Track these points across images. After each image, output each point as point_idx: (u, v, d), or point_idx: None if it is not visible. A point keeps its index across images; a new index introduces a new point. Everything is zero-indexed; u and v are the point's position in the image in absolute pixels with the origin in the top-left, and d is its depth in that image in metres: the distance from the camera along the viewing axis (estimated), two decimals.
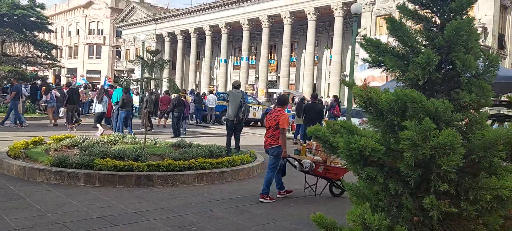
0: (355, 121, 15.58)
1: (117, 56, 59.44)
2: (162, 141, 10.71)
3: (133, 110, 14.92)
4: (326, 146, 3.24)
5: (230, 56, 45.41)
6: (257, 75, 42.17)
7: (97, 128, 13.75)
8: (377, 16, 29.28)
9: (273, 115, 6.52)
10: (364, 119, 15.52)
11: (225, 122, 22.01)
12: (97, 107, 13.69)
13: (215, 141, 13.73)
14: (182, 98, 19.32)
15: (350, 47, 35.11)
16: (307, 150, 7.12)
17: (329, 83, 35.95)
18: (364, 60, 3.70)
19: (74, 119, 15.30)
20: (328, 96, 32.31)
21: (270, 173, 6.40)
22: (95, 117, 14.04)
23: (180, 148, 9.86)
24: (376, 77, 28.42)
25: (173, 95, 16.68)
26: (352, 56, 14.51)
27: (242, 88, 41.96)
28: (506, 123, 12.87)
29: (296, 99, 29.29)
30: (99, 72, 60.35)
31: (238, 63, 44.79)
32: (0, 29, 21.71)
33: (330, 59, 36.50)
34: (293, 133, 18.60)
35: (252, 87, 39.55)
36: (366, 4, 29.46)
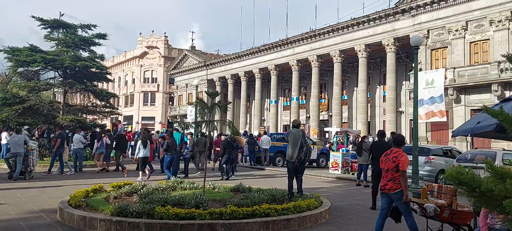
0: (421, 159, 14.46)
1: (170, 102, 61.41)
2: (220, 185, 10.34)
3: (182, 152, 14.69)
4: (473, 193, 2.66)
5: (280, 97, 45.35)
6: (307, 115, 41.56)
7: (141, 172, 13.67)
8: (431, 50, 28.15)
9: (391, 156, 6.27)
10: (431, 156, 14.31)
11: (279, 162, 21.79)
12: (141, 152, 13.64)
13: (272, 183, 13.18)
14: (233, 141, 19.21)
15: (404, 82, 34.07)
16: (428, 192, 6.56)
17: (384, 120, 34.57)
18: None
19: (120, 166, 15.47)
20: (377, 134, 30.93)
21: (410, 219, 6.00)
22: (139, 161, 14.00)
23: (239, 192, 9.42)
24: (435, 113, 26.95)
25: (222, 138, 16.49)
26: (415, 90, 13.59)
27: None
28: None
29: (351, 138, 28.32)
30: (153, 118, 62.46)
31: (288, 104, 44.55)
32: (63, 81, 22.90)
33: (384, 96, 35.33)
34: (352, 173, 17.66)
35: (303, 127, 38.89)
36: None
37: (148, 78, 65.05)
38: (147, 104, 64.06)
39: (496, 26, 24.12)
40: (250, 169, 20.14)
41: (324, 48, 36.02)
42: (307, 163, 21.67)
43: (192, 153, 16.53)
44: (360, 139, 17.83)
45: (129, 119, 64.16)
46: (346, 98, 38.14)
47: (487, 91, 24.11)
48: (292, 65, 39.09)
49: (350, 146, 19.92)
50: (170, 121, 57.84)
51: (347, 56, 35.12)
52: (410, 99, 32.44)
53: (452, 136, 11.48)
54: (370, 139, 29.44)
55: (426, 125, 27.99)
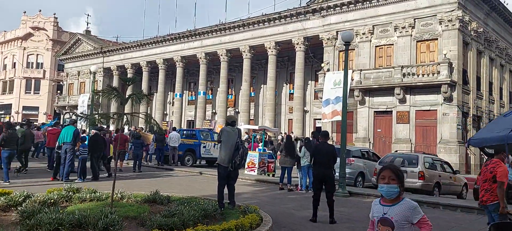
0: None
1: (58, 91, 54.91)
2: (130, 193, 8.35)
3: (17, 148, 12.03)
4: None
5: (185, 91, 43.14)
6: (214, 111, 40.17)
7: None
8: (339, 51, 28.72)
9: (489, 167, 6.05)
10: (351, 158, 13.86)
11: (189, 162, 19.95)
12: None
13: (187, 186, 11.50)
14: (138, 138, 16.98)
15: (309, 82, 34.63)
16: None
17: (290, 119, 34.75)
18: None
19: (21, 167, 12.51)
20: (288, 133, 30.96)
21: None
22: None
23: (156, 203, 7.61)
24: (339, 112, 27.47)
25: (93, 132, 14.21)
26: (344, 88, 12.98)
27: (198, 125, 39.33)
28: None
29: (279, 137, 27.55)
30: (37, 108, 55.27)
31: (193, 98, 42.63)
32: None
33: (290, 94, 35.54)
34: (268, 174, 16.70)
35: (209, 123, 37.36)
36: (328, 39, 28.90)
37: (32, 63, 57.39)
38: (30, 92, 56.46)
39: (400, 32, 25.36)
40: (157, 169, 18.04)
41: (234, 43, 34.90)
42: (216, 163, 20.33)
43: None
44: (281, 138, 17.00)
45: (6, 107, 55.93)
46: (253, 95, 37.56)
47: (390, 94, 25.22)
48: (200, 58, 37.29)
49: (271, 146, 19.01)
50: (57, 111, 51.64)
51: (256, 52, 34.49)
52: (315, 99, 33.05)
53: (468, 145, 10.90)
54: (279, 137, 29.29)
55: (332, 125, 28.50)
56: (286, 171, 12.73)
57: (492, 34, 27.63)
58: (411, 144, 24.52)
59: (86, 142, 12.96)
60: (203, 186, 12.98)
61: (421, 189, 12.41)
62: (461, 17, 23.21)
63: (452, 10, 23.38)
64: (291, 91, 35.13)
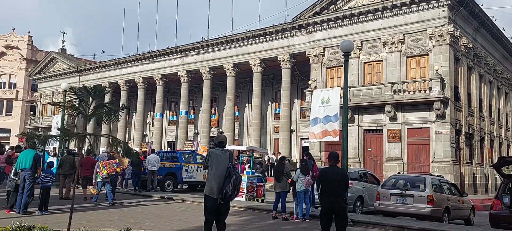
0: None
1: (31, 112, 52.32)
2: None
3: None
4: None
5: (166, 111, 41.44)
6: (196, 131, 38.57)
7: None
8: (327, 68, 27.80)
9: None
10: (350, 181, 12.54)
11: (169, 187, 18.27)
12: None
13: (167, 218, 9.94)
14: (114, 159, 15.30)
15: (295, 100, 33.52)
16: None
17: (276, 138, 33.43)
18: None
19: None
20: (275, 153, 29.64)
21: None
22: None
23: None
24: (330, 132, 26.39)
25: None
26: (344, 105, 11.72)
27: (180, 146, 37.21)
28: None
29: (265, 158, 26.06)
30: (9, 130, 52.51)
31: (174, 118, 40.92)
32: None
33: (276, 113, 34.33)
34: (257, 200, 15.24)
35: (192, 144, 35.70)
36: (315, 56, 27.96)
37: (5, 83, 54.79)
38: (1, 114, 53.71)
39: (389, 48, 24.56)
40: (133, 196, 16.33)
41: (217, 60, 33.64)
42: (200, 186, 18.62)
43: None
44: (268, 159, 15.62)
45: None
46: (237, 115, 36.19)
47: (380, 112, 24.24)
48: (182, 76, 35.82)
49: (261, 168, 17.57)
50: (29, 133, 48.98)
51: (241, 70, 33.30)
52: (301, 118, 31.91)
53: None
54: (266, 158, 27.87)
55: (320, 144, 27.33)
56: (280, 197, 11.31)
57: (481, 50, 27.18)
58: (403, 163, 23.47)
59: (53, 168, 11.32)
60: (184, 216, 11.43)
61: (431, 215, 11.16)
62: (452, 32, 22.55)
63: (443, 25, 22.72)
64: (277, 110, 33.93)
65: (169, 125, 41.42)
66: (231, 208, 13.30)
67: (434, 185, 11.72)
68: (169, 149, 38.27)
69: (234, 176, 6.17)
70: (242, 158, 20.06)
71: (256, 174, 16.05)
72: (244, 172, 16.26)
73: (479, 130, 26.51)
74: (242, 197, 15.12)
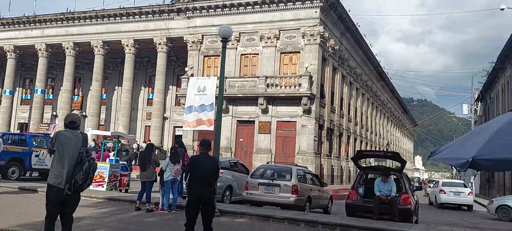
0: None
1: None
2: None
3: None
4: None
5: (17, 88, 36.19)
6: (54, 113, 34.55)
7: None
8: (204, 56, 27.36)
9: None
10: (220, 170, 12.29)
11: (14, 175, 15.54)
12: None
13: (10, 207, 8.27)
14: None
15: (170, 87, 32.33)
16: None
17: (148, 126, 31.82)
18: None
19: None
20: (146, 141, 28.15)
21: None
22: None
23: None
24: (204, 121, 26.00)
25: None
26: (220, 93, 11.30)
27: (33, 129, 33.04)
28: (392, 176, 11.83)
29: (134, 146, 24.09)
30: None
31: (28, 97, 36.04)
32: None
33: (149, 99, 32.70)
34: (120, 190, 14.00)
35: (47, 127, 31.77)
36: (193, 42, 27.27)
37: None
38: None
39: (266, 42, 25.17)
40: None
41: (84, 36, 30.49)
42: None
43: None
44: (136, 147, 14.50)
45: None
46: (105, 98, 33.44)
47: (254, 104, 24.72)
48: (40, 49, 31.61)
49: (127, 157, 16.12)
50: None
51: (111, 49, 30.78)
52: (176, 105, 30.92)
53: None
54: (134, 146, 26.15)
55: (194, 133, 26.81)
56: (146, 187, 10.41)
57: (345, 53, 29.74)
58: (272, 154, 24.38)
59: None
60: (29, 208, 9.75)
61: (294, 205, 11.49)
62: (322, 33, 24.09)
63: (314, 25, 24.11)
64: (150, 96, 32.30)
65: (21, 104, 36.35)
66: (88, 199, 11.97)
67: (299, 175, 12.12)
68: (20, 131, 33.54)
69: (87, 163, 5.18)
70: (107, 145, 18.35)
71: (120, 162, 14.73)
72: (107, 159, 14.79)
73: (339, 126, 29.03)
74: (103, 186, 13.73)
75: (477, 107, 34.53)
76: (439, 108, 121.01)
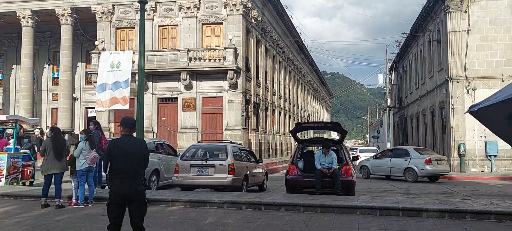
0: None
1: None
2: None
3: None
4: None
5: None
6: None
7: None
8: (117, 28, 24.85)
9: None
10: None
11: None
12: None
13: None
14: None
15: (79, 64, 29.06)
16: None
17: (55, 108, 28.42)
18: None
19: None
20: (50, 125, 25.08)
21: None
22: None
23: None
24: (119, 99, 23.76)
25: None
26: (140, 60, 9.72)
27: None
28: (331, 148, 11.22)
29: (36, 132, 21.01)
30: None
31: None
32: None
33: (54, 78, 29.20)
34: (22, 183, 11.85)
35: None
36: (102, 13, 24.57)
37: None
38: None
39: (185, 13, 23.45)
40: None
41: None
42: None
43: None
44: (39, 132, 12.35)
45: None
46: (1, 78, 29.20)
47: (176, 79, 23.07)
48: None
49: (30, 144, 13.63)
50: None
51: (5, 22, 26.68)
52: (87, 84, 27.94)
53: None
54: (37, 132, 23.08)
55: (109, 114, 24.46)
56: (54, 179, 8.61)
57: (268, 24, 29.00)
58: (198, 132, 23.09)
59: None
60: None
61: (231, 185, 10.47)
62: (244, 2, 22.97)
63: None
64: (56, 75, 28.81)
65: None
66: None
67: (235, 153, 11.10)
68: None
69: None
70: (6, 131, 15.58)
71: (21, 151, 12.43)
72: (5, 148, 12.41)
73: (264, 100, 28.48)
74: (1, 181, 11.48)
75: (391, 76, 36.26)
76: (350, 80, 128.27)
